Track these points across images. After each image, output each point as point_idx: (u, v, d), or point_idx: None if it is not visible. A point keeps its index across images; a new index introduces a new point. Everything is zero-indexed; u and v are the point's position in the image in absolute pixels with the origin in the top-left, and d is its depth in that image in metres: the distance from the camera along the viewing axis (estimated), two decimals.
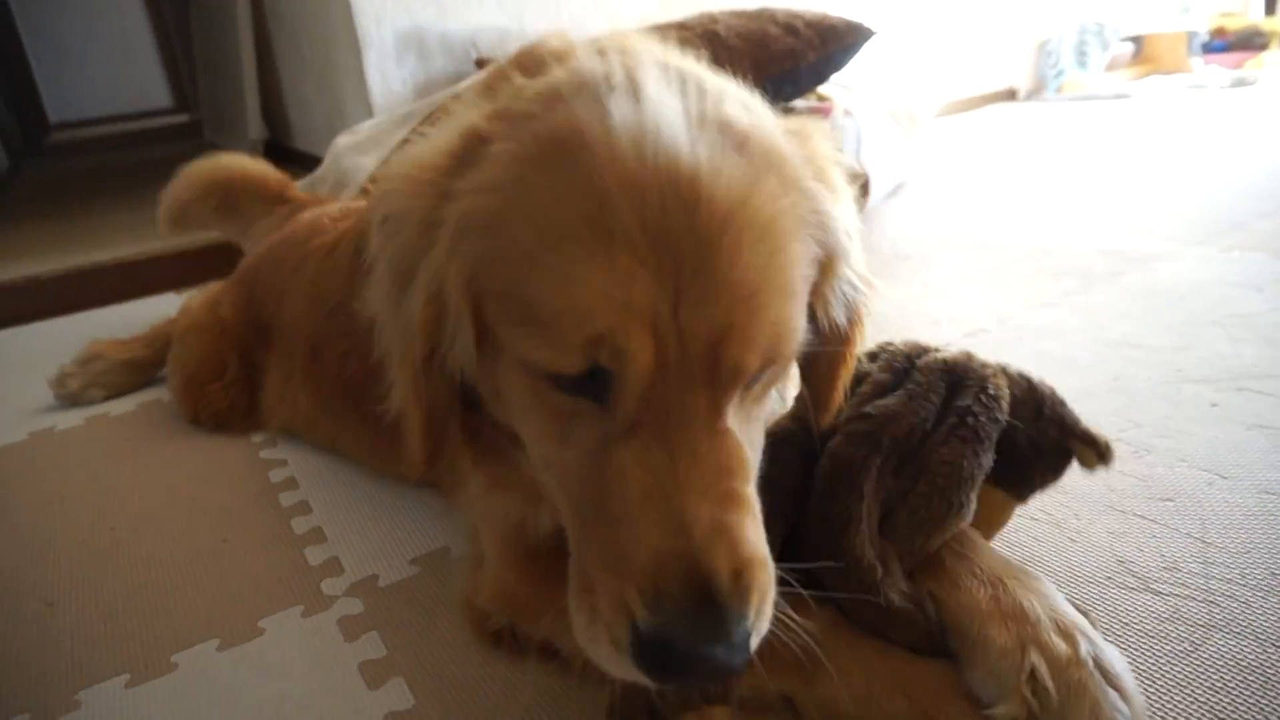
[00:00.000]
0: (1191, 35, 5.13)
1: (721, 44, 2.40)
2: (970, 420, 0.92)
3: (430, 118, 2.32)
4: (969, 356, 1.00)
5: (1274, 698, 0.86)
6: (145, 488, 1.54)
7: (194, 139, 5.63)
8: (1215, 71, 4.90)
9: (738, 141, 0.67)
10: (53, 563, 1.32)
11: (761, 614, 0.65)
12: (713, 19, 2.50)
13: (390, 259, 0.78)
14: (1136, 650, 0.93)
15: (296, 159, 3.71)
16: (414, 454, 0.87)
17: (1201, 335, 1.70)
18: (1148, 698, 0.87)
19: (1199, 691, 0.88)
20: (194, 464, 1.60)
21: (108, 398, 1.93)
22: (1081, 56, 4.85)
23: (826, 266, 0.77)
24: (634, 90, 0.68)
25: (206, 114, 5.37)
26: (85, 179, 5.04)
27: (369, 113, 3.00)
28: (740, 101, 0.73)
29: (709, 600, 0.61)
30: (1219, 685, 0.88)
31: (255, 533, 1.36)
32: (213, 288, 1.86)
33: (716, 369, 0.65)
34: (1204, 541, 1.11)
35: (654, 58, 0.75)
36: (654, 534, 0.62)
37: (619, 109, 0.66)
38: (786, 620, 0.72)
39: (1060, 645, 0.75)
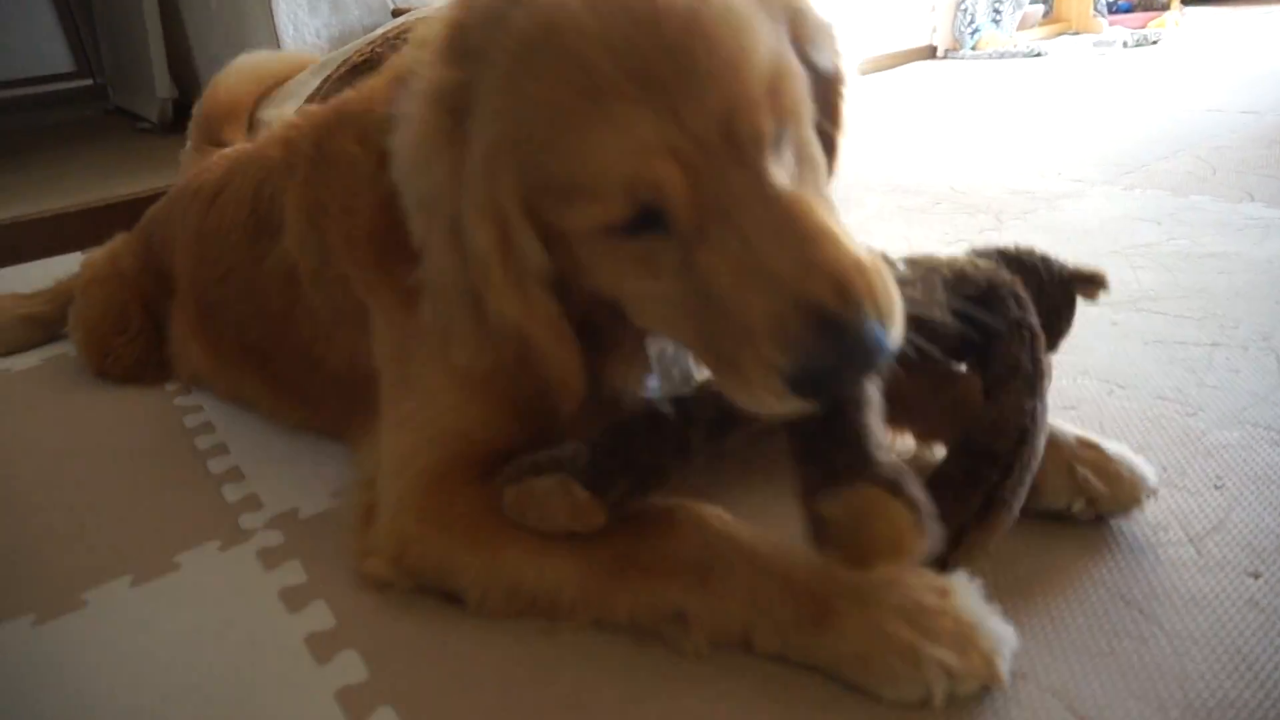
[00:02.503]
0: None
1: None
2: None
3: (346, 63, 2.24)
4: (975, 267, 1.02)
5: (1164, 582, 0.92)
6: (51, 438, 1.48)
7: (97, 103, 5.36)
8: (1120, 31, 5.07)
9: None
10: None
11: (882, 308, 0.71)
12: None
13: (423, 204, 0.80)
14: (1042, 548, 0.97)
15: None
16: (569, 380, 0.86)
17: (1105, 263, 1.75)
18: (1059, 587, 0.92)
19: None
20: (103, 413, 1.54)
21: (8, 353, 1.84)
22: (995, 15, 4.96)
23: (797, 28, 0.83)
24: None
25: (111, 76, 5.09)
26: None
27: None
28: None
29: (828, 323, 0.68)
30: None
31: (169, 475, 1.32)
32: (116, 238, 1.78)
33: (740, 146, 0.71)
34: None
35: None
36: (759, 300, 0.69)
37: None
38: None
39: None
